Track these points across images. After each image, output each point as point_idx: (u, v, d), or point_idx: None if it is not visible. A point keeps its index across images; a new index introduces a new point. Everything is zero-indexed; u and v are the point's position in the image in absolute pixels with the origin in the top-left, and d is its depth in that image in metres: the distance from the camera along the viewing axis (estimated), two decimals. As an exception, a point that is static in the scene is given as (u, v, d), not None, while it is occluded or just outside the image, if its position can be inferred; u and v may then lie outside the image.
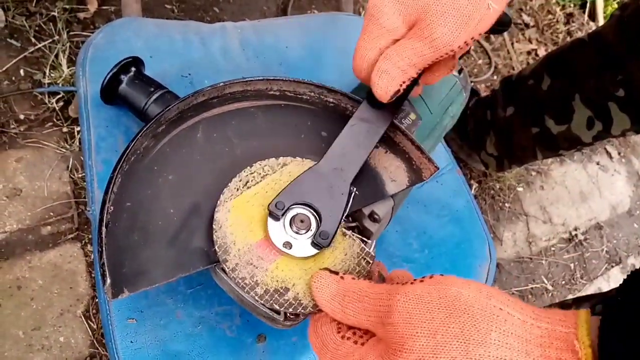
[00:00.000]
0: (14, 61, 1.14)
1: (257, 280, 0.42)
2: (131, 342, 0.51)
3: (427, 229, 0.70)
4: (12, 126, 1.09)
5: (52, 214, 1.05)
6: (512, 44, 1.77)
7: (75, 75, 0.64)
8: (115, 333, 0.51)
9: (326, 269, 0.40)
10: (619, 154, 1.80)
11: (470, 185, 1.48)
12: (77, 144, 1.11)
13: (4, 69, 1.13)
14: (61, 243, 1.02)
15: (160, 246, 0.43)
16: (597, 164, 1.74)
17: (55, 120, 1.12)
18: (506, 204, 1.52)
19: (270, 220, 0.42)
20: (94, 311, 1.00)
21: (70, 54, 1.18)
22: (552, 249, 1.56)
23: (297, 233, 0.42)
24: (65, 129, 1.12)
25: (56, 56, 1.16)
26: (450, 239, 0.71)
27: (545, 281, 1.51)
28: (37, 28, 1.18)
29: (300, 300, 0.41)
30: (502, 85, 1.27)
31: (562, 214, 1.59)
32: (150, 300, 0.53)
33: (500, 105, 1.24)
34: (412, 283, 0.34)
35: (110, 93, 0.57)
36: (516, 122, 1.20)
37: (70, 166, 1.09)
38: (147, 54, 0.65)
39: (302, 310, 0.41)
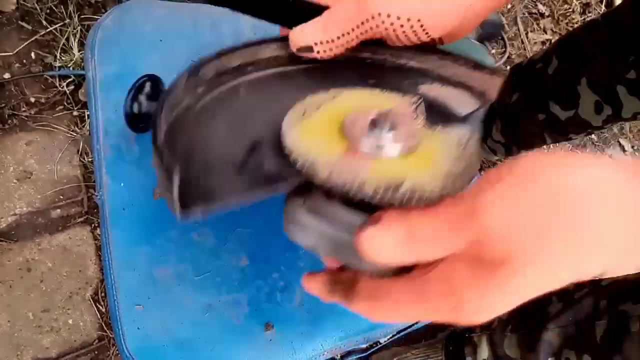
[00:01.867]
0: (25, 44, 1.14)
1: (362, 181, 0.35)
2: (138, 328, 0.51)
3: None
4: (23, 109, 1.09)
5: (61, 197, 1.05)
6: (527, 33, 1.74)
7: (84, 58, 0.63)
8: (122, 319, 0.51)
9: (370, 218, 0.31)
10: (633, 147, 1.77)
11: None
12: (88, 127, 1.10)
13: (15, 51, 1.13)
14: (71, 226, 1.03)
15: (228, 174, 0.39)
16: (610, 157, 1.71)
17: (65, 103, 1.12)
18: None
19: (349, 129, 0.38)
20: (103, 295, 1.00)
21: (81, 37, 1.18)
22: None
23: (383, 134, 0.37)
24: (75, 113, 1.12)
25: (67, 39, 1.16)
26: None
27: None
28: (48, 11, 1.18)
29: (416, 192, 0.33)
30: (512, 71, 1.25)
31: (573, 207, 1.58)
32: (157, 286, 0.53)
33: (507, 92, 1.22)
34: (487, 189, 0.27)
35: (136, 119, 0.55)
36: (521, 108, 1.18)
37: (80, 150, 1.09)
38: (157, 37, 0.64)
39: (419, 202, 0.33)
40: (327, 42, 0.42)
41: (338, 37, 0.42)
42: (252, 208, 0.60)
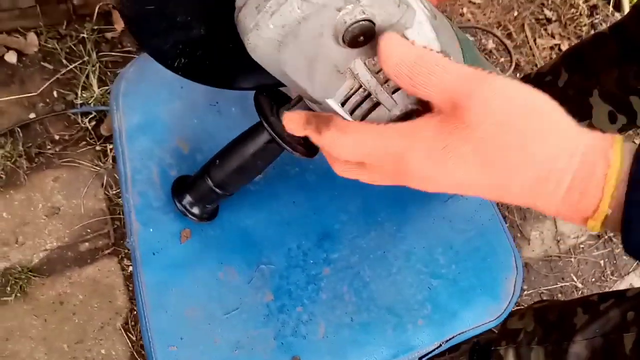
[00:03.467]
0: (47, 84, 1.19)
1: None
2: (173, 367, 0.54)
3: (453, 244, 0.71)
4: (49, 147, 1.13)
5: (89, 230, 1.09)
6: (535, 40, 1.75)
7: (110, 109, 0.67)
8: (159, 360, 0.54)
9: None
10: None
11: (496, 186, 1.47)
12: (111, 161, 1.15)
13: (38, 91, 1.18)
14: (99, 258, 1.07)
15: None
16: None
17: (88, 139, 1.16)
18: (533, 203, 1.51)
19: None
20: (133, 323, 1.04)
21: (100, 73, 1.22)
22: (581, 246, 1.54)
23: None
24: (98, 147, 1.16)
25: (87, 77, 1.20)
26: (476, 253, 0.72)
27: (575, 279, 1.50)
28: (68, 50, 1.23)
29: None
30: None
31: (590, 212, 1.58)
32: (189, 327, 0.56)
33: None
34: (492, 74, 0.34)
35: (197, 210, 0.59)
36: None
37: (104, 183, 1.13)
38: (178, 84, 0.67)
39: None
40: None
41: None
42: (273, 244, 0.63)
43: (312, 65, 0.37)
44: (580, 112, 1.08)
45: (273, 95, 0.51)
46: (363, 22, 0.34)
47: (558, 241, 1.52)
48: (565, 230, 1.53)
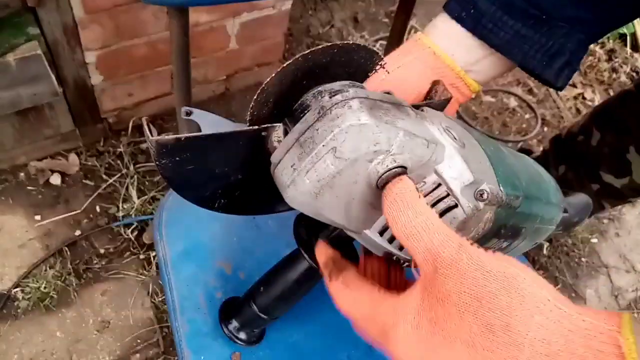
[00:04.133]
0: (90, 200, 1.24)
1: None
2: None
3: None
4: (95, 262, 1.17)
5: (139, 341, 1.10)
6: (557, 92, 1.76)
7: (154, 239, 0.69)
8: None
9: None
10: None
11: (541, 245, 1.43)
12: (155, 269, 1.17)
13: (82, 209, 1.23)
14: (151, 370, 1.07)
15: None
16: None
17: (132, 249, 1.20)
18: (582, 259, 1.46)
19: None
20: None
21: (139, 183, 1.28)
22: (642, 299, 1.47)
23: None
24: (142, 256, 1.20)
25: (126, 189, 1.26)
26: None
27: (641, 336, 1.41)
28: (107, 166, 1.29)
29: None
30: (552, 144, 1.26)
31: (645, 261, 1.51)
32: None
33: (552, 165, 1.23)
34: (473, 245, 0.33)
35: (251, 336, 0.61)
36: (571, 180, 1.18)
37: (150, 291, 1.16)
38: (214, 206, 0.70)
39: None
40: None
41: None
42: (323, 358, 0.62)
43: (348, 206, 0.38)
44: (619, 169, 1.07)
45: (311, 221, 0.52)
46: (395, 168, 0.35)
47: (616, 296, 1.45)
48: (622, 284, 1.47)
